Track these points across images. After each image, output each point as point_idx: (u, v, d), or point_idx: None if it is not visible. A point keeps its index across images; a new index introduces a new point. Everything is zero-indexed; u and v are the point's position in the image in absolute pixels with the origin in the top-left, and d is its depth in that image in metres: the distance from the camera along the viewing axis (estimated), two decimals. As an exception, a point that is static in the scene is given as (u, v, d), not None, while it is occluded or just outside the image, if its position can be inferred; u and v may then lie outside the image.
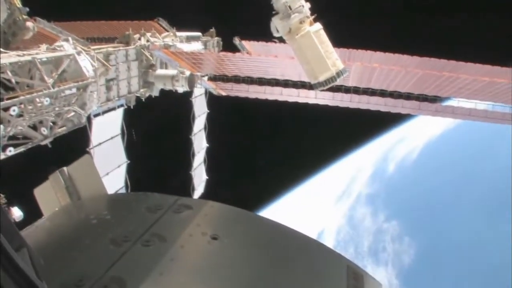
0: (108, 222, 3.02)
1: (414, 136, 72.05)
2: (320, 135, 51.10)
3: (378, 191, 69.21)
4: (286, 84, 22.65)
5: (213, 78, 22.97)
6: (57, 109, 14.54)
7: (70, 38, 15.72)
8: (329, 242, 65.78)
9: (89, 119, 16.71)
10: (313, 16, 12.75)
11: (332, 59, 12.63)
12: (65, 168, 3.75)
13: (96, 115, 17.32)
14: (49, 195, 3.77)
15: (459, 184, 62.32)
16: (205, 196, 25.01)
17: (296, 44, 12.32)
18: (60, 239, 2.99)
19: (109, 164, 18.41)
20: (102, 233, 2.80)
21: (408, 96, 22.15)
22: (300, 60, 12.77)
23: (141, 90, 20.29)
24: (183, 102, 23.16)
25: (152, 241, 2.69)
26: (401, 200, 66.62)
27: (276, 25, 12.44)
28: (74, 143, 17.36)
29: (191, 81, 20.74)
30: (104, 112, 18.04)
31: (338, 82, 13.68)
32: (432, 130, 70.97)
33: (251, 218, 3.20)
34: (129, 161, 19.82)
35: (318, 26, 12.47)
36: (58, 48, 15.12)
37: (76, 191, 3.71)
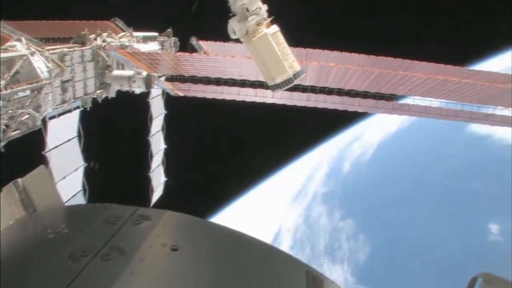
0: (65, 236, 2.93)
1: (369, 135, 73.50)
2: (278, 134, 51.51)
3: (333, 190, 70.42)
4: (243, 84, 22.66)
5: (170, 79, 22.84)
6: (10, 111, 14.16)
7: (23, 38, 15.33)
8: (286, 241, 66.96)
9: (44, 122, 16.33)
10: (270, 18, 12.80)
11: (289, 60, 12.70)
12: (19, 180, 3.66)
13: (51, 118, 16.92)
14: (2, 208, 3.63)
15: (413, 180, 64.02)
16: (164, 197, 24.87)
17: (253, 46, 12.35)
18: (15, 254, 2.89)
19: (65, 168, 18.02)
20: (60, 248, 2.73)
21: (365, 95, 22.48)
22: (257, 62, 12.81)
23: (98, 91, 19.94)
24: (140, 103, 22.94)
25: (111, 255, 2.64)
26: (356, 199, 67.99)
27: (233, 27, 12.44)
28: (30, 147, 17.01)
29: (148, 82, 20.53)
30: (60, 114, 17.66)
31: (296, 82, 13.80)
32: (386, 129, 72.49)
33: (210, 227, 3.18)
34: (86, 164, 19.47)
35: (275, 28, 12.52)
36: (11, 49, 14.73)
37: (31, 203, 3.60)
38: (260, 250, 3.06)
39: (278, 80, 12.92)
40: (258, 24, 12.36)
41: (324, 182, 72.46)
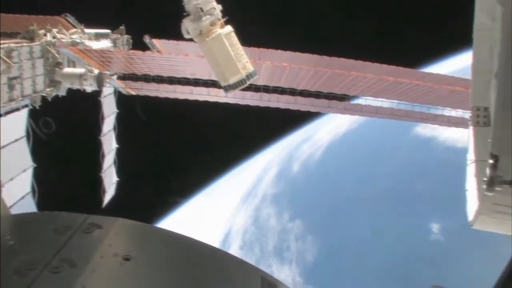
0: (11, 249, 2.74)
1: (318, 136, 74.64)
2: (230, 134, 51.58)
3: (283, 191, 71.00)
4: (196, 83, 22.55)
5: (123, 77, 22.47)
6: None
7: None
8: (236, 242, 67.12)
9: (-10, 121, 15.90)
10: (224, 19, 12.79)
11: (243, 61, 12.71)
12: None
13: (-2, 116, 16.47)
14: None
15: (360, 181, 65.48)
16: (116, 198, 24.47)
17: (206, 46, 12.30)
18: None
19: (13, 169, 17.49)
20: (5, 262, 2.56)
21: (317, 95, 22.67)
22: (211, 62, 12.78)
23: (47, 89, 19.41)
24: (91, 101, 22.49)
25: (61, 267, 2.49)
26: (305, 200, 68.68)
27: (187, 27, 12.35)
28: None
29: (100, 80, 20.20)
30: (7, 113, 17.13)
31: (249, 83, 13.83)
32: (335, 130, 73.90)
33: (163, 235, 3.11)
34: (35, 165, 18.97)
35: (229, 28, 12.51)
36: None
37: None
38: (214, 257, 3.04)
39: (231, 81, 12.92)
40: (212, 24, 12.32)
41: (274, 183, 73.25)
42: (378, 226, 57.84)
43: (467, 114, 22.34)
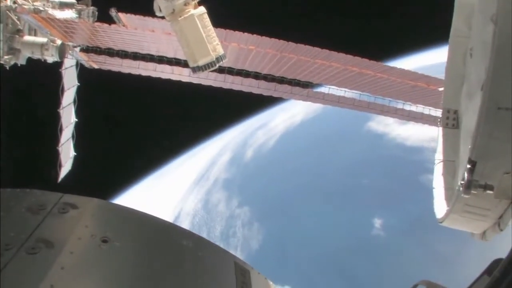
0: None
1: (274, 123, 75.57)
2: (189, 115, 51.41)
3: (234, 177, 71.84)
4: (160, 60, 22.28)
5: (86, 50, 21.95)
6: None
7: None
8: (184, 225, 67.28)
9: None
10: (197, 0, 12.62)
11: (213, 44, 12.54)
12: None
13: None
14: None
15: (310, 172, 66.88)
16: (72, 173, 24.00)
17: (178, 26, 12.07)
18: None
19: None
20: None
21: (281, 80, 22.73)
22: (181, 42, 12.55)
23: (6, 57, 18.78)
24: (51, 72, 21.90)
25: (38, 248, 2.43)
26: (255, 187, 69.77)
27: (160, 4, 12.09)
28: None
29: (62, 51, 19.63)
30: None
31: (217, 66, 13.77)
32: (291, 119, 74.96)
33: (139, 217, 3.09)
34: (-10, 135, 18.44)
35: (202, 9, 12.29)
36: None
37: None
38: (190, 241, 3.04)
39: (201, 62, 12.73)
40: (186, 3, 12.09)
41: (226, 168, 74.06)
42: (323, 218, 59.21)
43: (427, 110, 22.99)
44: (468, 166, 3.92)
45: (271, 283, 3.68)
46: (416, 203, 52.68)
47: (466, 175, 3.94)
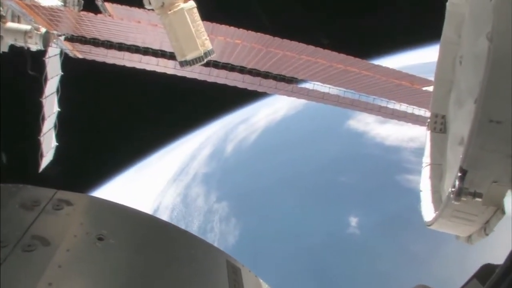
0: None
1: (256, 118, 75.82)
2: (173, 107, 51.17)
3: (214, 171, 71.98)
4: (146, 51, 22.15)
5: (71, 39, 21.71)
6: None
7: None
8: (163, 219, 67.14)
9: None
10: (187, -7, 12.57)
11: (202, 38, 12.48)
12: None
13: None
14: None
15: (288, 169, 67.27)
16: (54, 163, 23.76)
17: (167, 19, 11.99)
18: None
19: None
20: None
21: (266, 75, 22.76)
22: (170, 36, 12.49)
23: (-13, 43, 18.59)
24: (35, 61, 21.58)
25: (34, 245, 2.41)
26: (234, 182, 69.95)
27: (150, -3, 12.06)
28: None
29: (46, 40, 19.40)
30: None
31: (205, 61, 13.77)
32: (272, 115, 75.31)
33: (133, 215, 3.12)
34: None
35: (192, 4, 12.23)
36: None
37: None
38: (183, 239, 3.09)
39: (189, 57, 12.68)
40: (176, -3, 12.08)
41: (206, 162, 74.19)
42: (300, 215, 59.51)
43: (410, 109, 23.25)
44: (459, 174, 4.06)
45: (261, 281, 3.72)
46: (392, 202, 53.47)
47: (457, 182, 4.08)
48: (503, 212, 4.18)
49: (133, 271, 2.62)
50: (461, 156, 4.04)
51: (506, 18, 3.30)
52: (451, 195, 4.16)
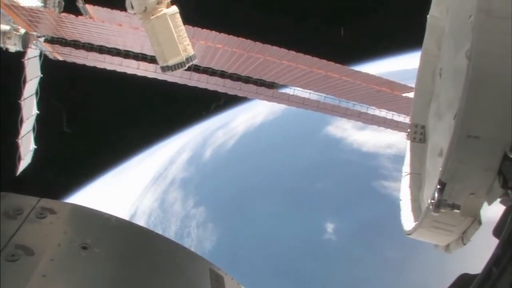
0: None
1: (234, 123, 75.84)
2: (152, 111, 50.91)
3: (192, 176, 71.83)
4: (127, 55, 22.03)
5: (51, 41, 21.50)
6: None
7: None
8: (140, 224, 66.75)
9: None
10: (170, -1, 12.58)
11: (184, 44, 12.46)
12: None
13: None
14: None
15: (266, 174, 67.52)
16: (32, 166, 23.47)
17: (150, 24, 11.96)
18: None
19: None
20: None
21: (247, 80, 22.79)
22: (152, 41, 12.44)
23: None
24: (13, 62, 21.33)
25: (18, 255, 2.37)
26: (211, 187, 70.05)
27: (132, 1, 12.00)
28: None
29: (25, 41, 19.25)
30: None
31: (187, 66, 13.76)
32: (251, 120, 75.40)
33: (117, 223, 3.07)
34: None
35: (174, 9, 12.23)
36: None
37: None
38: (167, 248, 3.09)
39: (171, 62, 12.64)
40: (159, 2, 12.02)
41: (185, 167, 74.01)
42: (277, 221, 59.64)
43: (390, 115, 23.46)
44: (438, 186, 4.18)
45: None
46: (369, 209, 53.88)
47: (436, 195, 4.20)
48: (479, 223, 4.31)
49: (118, 280, 2.60)
50: (440, 168, 4.15)
51: (485, 38, 3.41)
52: (431, 207, 4.27)
